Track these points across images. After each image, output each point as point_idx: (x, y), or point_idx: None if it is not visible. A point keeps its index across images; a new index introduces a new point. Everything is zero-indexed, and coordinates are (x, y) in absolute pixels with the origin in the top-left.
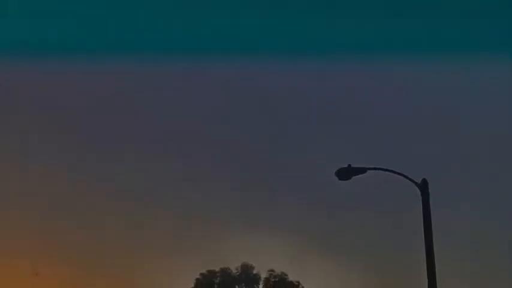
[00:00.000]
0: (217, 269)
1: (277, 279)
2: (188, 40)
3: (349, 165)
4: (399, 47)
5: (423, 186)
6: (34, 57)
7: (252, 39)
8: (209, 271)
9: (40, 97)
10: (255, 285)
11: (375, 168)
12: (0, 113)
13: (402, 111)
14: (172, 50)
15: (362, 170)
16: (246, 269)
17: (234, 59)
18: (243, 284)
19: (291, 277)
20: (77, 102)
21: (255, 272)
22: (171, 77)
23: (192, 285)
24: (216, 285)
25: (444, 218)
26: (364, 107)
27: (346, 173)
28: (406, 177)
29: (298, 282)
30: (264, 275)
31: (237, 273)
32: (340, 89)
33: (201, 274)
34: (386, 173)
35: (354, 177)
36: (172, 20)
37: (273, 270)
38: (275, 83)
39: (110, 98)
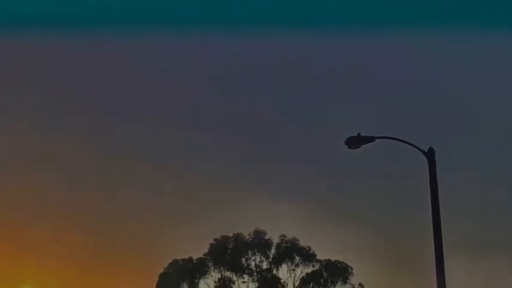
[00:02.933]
0: (230, 235)
1: (288, 244)
2: (201, 9)
3: (359, 134)
4: (409, 19)
5: (430, 155)
6: (54, 30)
7: (263, 8)
8: (223, 236)
9: (58, 68)
10: (267, 250)
11: (383, 137)
12: (21, 85)
13: (411, 81)
14: (186, 20)
15: (371, 139)
16: (259, 234)
17: (245, 28)
18: (256, 249)
19: (302, 242)
20: (94, 73)
21: (267, 237)
22: (185, 48)
23: (206, 250)
24: (229, 250)
25: (450, 185)
26: (374, 77)
27: (355, 142)
28: (414, 145)
29: (309, 247)
30: (275, 240)
31: (250, 239)
32: (350, 59)
33: (215, 239)
34: (395, 141)
35: (363, 145)
36: None
37: (284, 236)
38: (285, 53)
39: (128, 69)
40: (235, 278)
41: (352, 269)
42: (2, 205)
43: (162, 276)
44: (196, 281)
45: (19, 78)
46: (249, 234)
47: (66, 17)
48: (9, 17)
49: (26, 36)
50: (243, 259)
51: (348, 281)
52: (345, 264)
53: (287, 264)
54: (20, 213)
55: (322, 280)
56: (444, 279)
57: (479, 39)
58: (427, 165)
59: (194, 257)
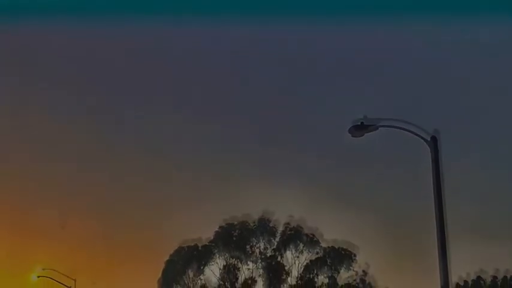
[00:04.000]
0: (235, 222)
1: (293, 231)
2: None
3: (362, 122)
4: (412, 6)
5: (433, 143)
6: (59, 16)
7: None
8: (228, 223)
9: (68, 54)
10: (272, 237)
11: (386, 126)
12: (31, 70)
13: (413, 69)
14: (195, 9)
15: (374, 127)
16: (263, 221)
17: (253, 16)
18: (261, 236)
19: (306, 229)
20: (105, 60)
21: (272, 224)
22: (193, 36)
23: (212, 237)
24: (234, 237)
25: (453, 170)
26: (378, 65)
27: (358, 130)
28: (417, 134)
29: (313, 234)
30: (280, 227)
31: (255, 226)
32: (354, 47)
33: (221, 226)
34: (398, 129)
35: (366, 133)
36: None
37: (289, 223)
38: (293, 42)
39: (137, 57)
40: (240, 264)
41: (355, 255)
42: (11, 191)
43: (168, 262)
44: (202, 267)
45: (30, 63)
46: (254, 222)
47: (76, 3)
48: (18, 4)
49: (36, 22)
50: (248, 246)
51: (351, 267)
52: (349, 250)
53: (291, 251)
54: (29, 199)
55: (326, 266)
56: (447, 264)
57: (483, 26)
58: (430, 153)
59: (200, 244)
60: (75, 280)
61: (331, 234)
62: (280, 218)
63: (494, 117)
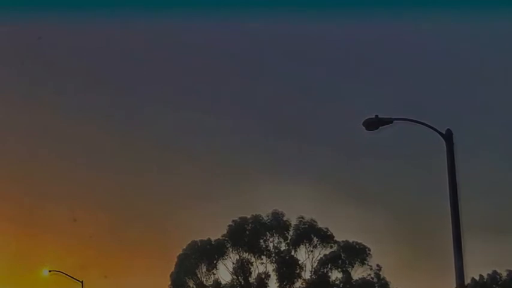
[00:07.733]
0: (248, 216)
1: (306, 226)
2: None
3: (377, 115)
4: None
5: (448, 136)
6: (77, 11)
7: None
8: (241, 218)
9: (81, 49)
10: (285, 232)
11: (401, 119)
12: (43, 65)
13: (429, 63)
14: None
15: (389, 121)
16: (277, 215)
17: (264, 7)
18: (274, 231)
19: (320, 223)
20: (115, 54)
21: (285, 218)
22: (203, 28)
23: (225, 232)
24: (247, 232)
25: (467, 165)
26: (393, 59)
27: (373, 124)
28: (432, 127)
29: (327, 229)
30: (294, 222)
31: (268, 220)
32: (369, 40)
33: (234, 221)
34: (413, 123)
35: (381, 127)
36: None
37: (302, 217)
38: (305, 34)
39: (147, 50)
40: (253, 259)
41: (370, 250)
42: (21, 185)
43: (180, 257)
44: (215, 262)
45: (42, 58)
46: (267, 216)
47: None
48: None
49: (49, 17)
50: (261, 240)
51: (365, 262)
52: (363, 245)
53: (305, 245)
54: (39, 194)
55: (340, 261)
56: (462, 260)
57: (500, 21)
58: (445, 147)
59: (213, 238)
60: (82, 282)
61: (345, 230)
62: (294, 214)
63: (509, 110)
